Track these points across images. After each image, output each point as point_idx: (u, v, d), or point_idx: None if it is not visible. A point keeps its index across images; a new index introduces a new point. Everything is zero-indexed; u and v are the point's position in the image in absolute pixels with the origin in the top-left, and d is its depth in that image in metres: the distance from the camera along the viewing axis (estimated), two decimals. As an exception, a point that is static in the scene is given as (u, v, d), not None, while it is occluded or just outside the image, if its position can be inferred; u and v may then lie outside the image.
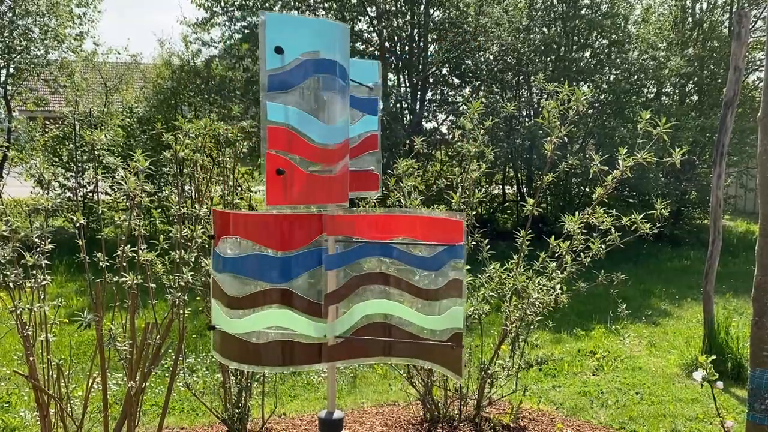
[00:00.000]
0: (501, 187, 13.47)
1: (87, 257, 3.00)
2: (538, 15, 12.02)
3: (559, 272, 3.80)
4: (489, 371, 3.97)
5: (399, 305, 2.43)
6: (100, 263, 3.00)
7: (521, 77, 12.21)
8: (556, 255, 3.84)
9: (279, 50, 2.09)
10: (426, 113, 12.33)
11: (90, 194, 10.87)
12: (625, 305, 4.68)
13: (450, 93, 12.69)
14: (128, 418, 3.08)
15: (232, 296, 2.25)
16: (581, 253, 3.77)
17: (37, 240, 2.92)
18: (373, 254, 2.40)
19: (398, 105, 11.88)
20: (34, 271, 2.90)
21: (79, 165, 10.68)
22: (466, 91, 12.51)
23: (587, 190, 11.53)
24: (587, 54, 12.06)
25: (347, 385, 4.99)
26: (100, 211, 4.03)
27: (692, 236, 12.12)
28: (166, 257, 3.21)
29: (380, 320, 2.46)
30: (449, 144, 11.65)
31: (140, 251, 3.04)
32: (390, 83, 11.96)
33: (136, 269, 3.03)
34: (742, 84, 6.40)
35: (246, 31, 11.82)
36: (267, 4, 11.47)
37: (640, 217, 3.60)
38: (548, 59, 11.81)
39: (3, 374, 5.04)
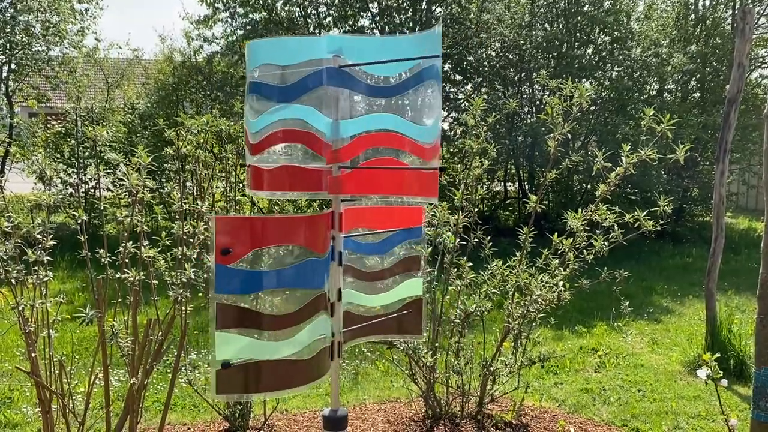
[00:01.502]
0: (503, 184, 13.44)
1: (89, 253, 3.00)
2: (540, 11, 11.98)
3: (561, 269, 3.79)
4: (491, 368, 3.97)
5: (355, 292, 2.51)
6: (102, 259, 2.99)
7: (523, 74, 12.17)
8: (559, 252, 3.83)
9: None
10: (428, 110, 12.29)
11: (92, 190, 10.86)
12: (627, 302, 4.67)
13: (452, 89, 12.65)
14: (130, 415, 3.08)
15: (277, 315, 2.08)
16: (584, 251, 3.76)
17: (38, 236, 2.92)
18: (347, 246, 2.45)
19: (400, 102, 11.85)
20: (36, 268, 2.89)
21: (81, 161, 10.68)
22: (468, 87, 12.47)
23: (589, 187, 11.50)
24: (589, 51, 12.02)
25: (349, 382, 4.99)
26: (102, 208, 4.02)
27: (694, 233, 12.11)
28: (168, 254, 3.21)
29: (347, 308, 2.50)
30: (451, 141, 11.63)
31: (142, 247, 3.04)
32: (392, 80, 11.93)
33: (138, 265, 3.03)
34: (745, 81, 6.38)
35: (248, 27, 11.78)
36: (269, 1, 11.43)
37: (643, 214, 3.59)
38: (550, 56, 11.78)
39: (5, 370, 5.04)
